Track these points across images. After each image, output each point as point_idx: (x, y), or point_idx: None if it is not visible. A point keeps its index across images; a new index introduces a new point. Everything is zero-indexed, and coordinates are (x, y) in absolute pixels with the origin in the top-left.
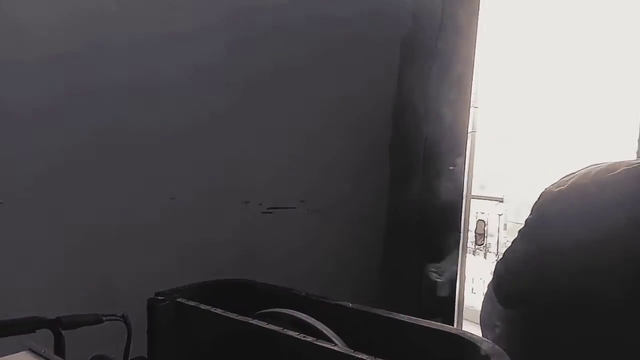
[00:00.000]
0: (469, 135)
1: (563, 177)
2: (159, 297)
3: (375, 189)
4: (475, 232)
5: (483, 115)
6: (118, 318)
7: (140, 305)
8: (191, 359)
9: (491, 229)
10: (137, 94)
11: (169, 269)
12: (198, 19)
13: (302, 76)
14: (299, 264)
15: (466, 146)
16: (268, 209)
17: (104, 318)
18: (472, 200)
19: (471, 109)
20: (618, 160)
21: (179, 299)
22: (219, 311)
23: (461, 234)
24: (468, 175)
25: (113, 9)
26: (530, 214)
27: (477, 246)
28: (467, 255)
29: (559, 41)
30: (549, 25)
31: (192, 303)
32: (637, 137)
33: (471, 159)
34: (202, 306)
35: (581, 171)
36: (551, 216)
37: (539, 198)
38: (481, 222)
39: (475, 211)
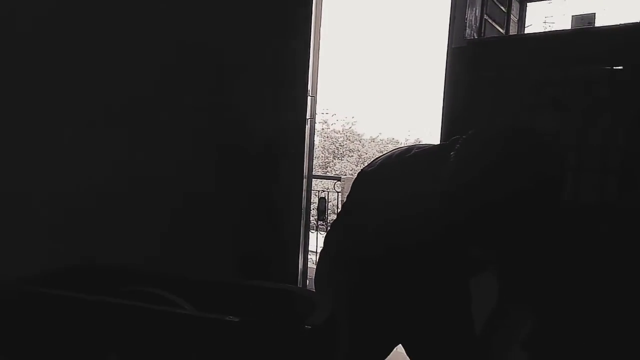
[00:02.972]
0: (307, 121)
1: (375, 159)
2: (4, 286)
3: (224, 173)
4: (317, 209)
5: (320, 103)
6: None
7: None
8: (45, 346)
9: (332, 205)
10: None
11: (15, 256)
12: None
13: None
14: (157, 247)
15: (305, 131)
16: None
17: None
18: (313, 180)
19: (308, 98)
20: (412, 144)
21: (28, 287)
22: (71, 294)
23: (303, 212)
24: (308, 158)
25: None
26: (350, 191)
27: (319, 222)
28: (311, 231)
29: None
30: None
31: (42, 289)
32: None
33: (311, 143)
34: (53, 291)
35: (387, 153)
36: (364, 193)
37: (356, 177)
38: (323, 200)
39: (317, 190)
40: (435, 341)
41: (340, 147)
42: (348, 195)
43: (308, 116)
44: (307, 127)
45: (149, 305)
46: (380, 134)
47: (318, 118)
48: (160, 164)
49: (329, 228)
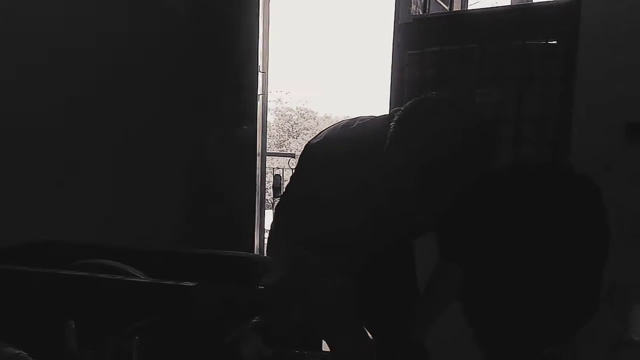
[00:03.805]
0: (259, 97)
1: (321, 131)
2: None
3: (175, 150)
4: (272, 187)
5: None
6: None
7: None
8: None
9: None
10: None
11: None
12: None
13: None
14: (110, 227)
15: (257, 107)
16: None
17: None
18: (268, 157)
19: (259, 74)
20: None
21: None
22: (23, 268)
23: (258, 189)
24: (262, 135)
25: None
26: (297, 163)
27: (275, 199)
28: (267, 207)
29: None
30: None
31: None
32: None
33: (264, 119)
34: (8, 266)
35: (333, 126)
36: (309, 164)
37: (303, 149)
38: (278, 177)
39: (272, 167)
40: (383, 300)
41: (294, 125)
42: (295, 168)
43: (260, 92)
44: (259, 103)
45: (103, 275)
46: (334, 111)
47: (272, 96)
48: (111, 141)
49: (278, 200)
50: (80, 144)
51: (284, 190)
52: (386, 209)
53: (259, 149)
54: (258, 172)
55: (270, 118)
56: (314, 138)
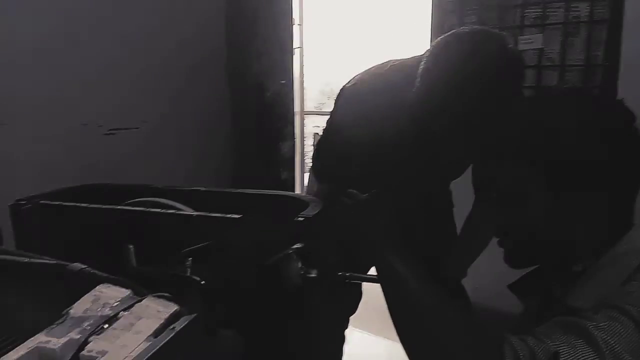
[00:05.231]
0: (295, 50)
1: (355, 75)
2: (21, 202)
3: (216, 107)
4: (313, 145)
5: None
6: None
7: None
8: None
9: None
10: None
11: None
12: None
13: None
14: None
15: (292, 61)
16: (109, 130)
17: None
18: (307, 116)
19: (295, 26)
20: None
21: (43, 201)
22: (84, 205)
23: (297, 147)
24: (300, 90)
25: None
26: (333, 108)
27: None
28: (307, 171)
29: None
30: None
31: (56, 203)
32: None
33: (301, 74)
34: (67, 204)
35: (366, 69)
36: (345, 107)
37: (338, 93)
38: (317, 135)
39: (312, 126)
40: (423, 241)
41: (335, 88)
42: (331, 112)
43: (297, 45)
44: (296, 58)
45: (156, 209)
46: None
47: (310, 57)
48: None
49: (315, 145)
50: (125, 93)
51: (322, 133)
52: (419, 151)
53: (297, 107)
54: (297, 130)
55: (308, 81)
56: (348, 82)
